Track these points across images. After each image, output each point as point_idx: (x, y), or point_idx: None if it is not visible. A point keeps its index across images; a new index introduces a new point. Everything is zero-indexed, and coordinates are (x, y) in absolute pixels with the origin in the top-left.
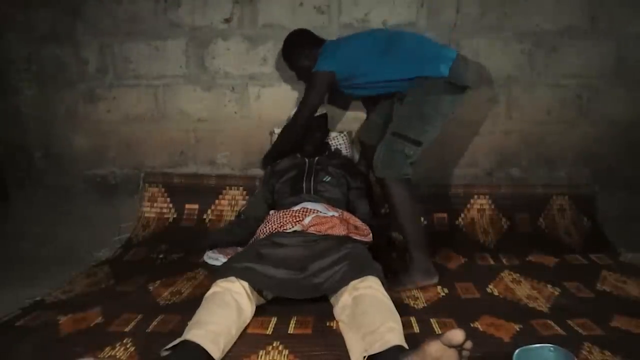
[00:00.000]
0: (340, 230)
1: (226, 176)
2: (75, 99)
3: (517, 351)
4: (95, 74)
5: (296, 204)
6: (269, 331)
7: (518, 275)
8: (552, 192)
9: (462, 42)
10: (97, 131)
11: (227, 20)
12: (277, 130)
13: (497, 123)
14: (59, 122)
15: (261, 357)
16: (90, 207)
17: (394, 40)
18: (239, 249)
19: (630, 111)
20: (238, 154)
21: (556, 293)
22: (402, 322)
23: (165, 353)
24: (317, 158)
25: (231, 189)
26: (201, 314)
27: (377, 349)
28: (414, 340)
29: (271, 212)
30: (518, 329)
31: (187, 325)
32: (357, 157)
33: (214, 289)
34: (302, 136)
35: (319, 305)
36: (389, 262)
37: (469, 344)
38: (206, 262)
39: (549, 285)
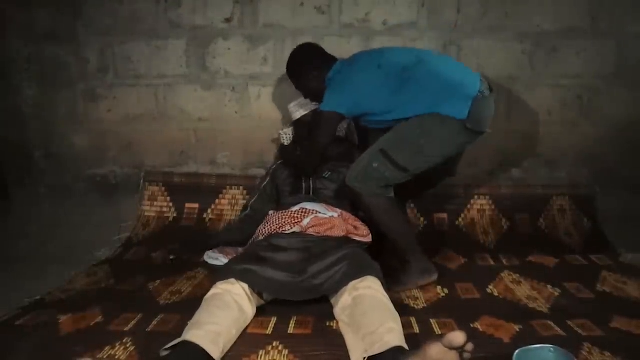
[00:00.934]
0: (339, 231)
1: (226, 176)
2: (76, 98)
3: (516, 352)
4: (96, 74)
5: (295, 204)
6: (269, 331)
7: (518, 275)
8: (552, 192)
9: (463, 42)
10: (97, 131)
11: (227, 20)
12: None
13: (498, 123)
14: (60, 121)
15: (261, 357)
16: (91, 207)
17: (407, 75)
18: (240, 250)
19: (631, 111)
20: (238, 154)
21: (556, 294)
22: (402, 322)
23: (164, 353)
24: None
25: (231, 189)
26: (201, 314)
27: (377, 350)
28: (414, 341)
29: (270, 212)
30: (518, 330)
31: (187, 325)
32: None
33: (214, 290)
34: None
35: (319, 305)
36: (388, 262)
37: (470, 346)
38: (206, 262)
39: (549, 286)
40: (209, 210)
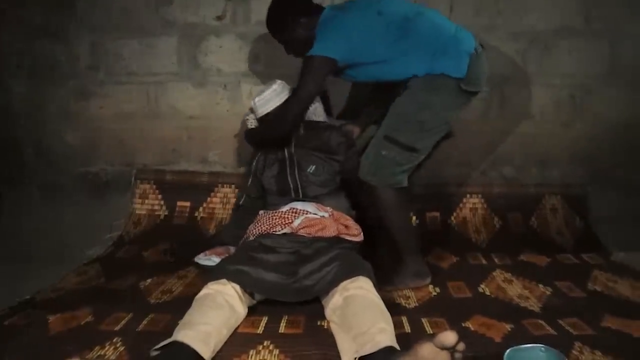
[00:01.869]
0: (330, 232)
1: (218, 174)
2: (67, 95)
3: (507, 351)
4: (87, 71)
5: (284, 204)
6: (260, 330)
7: (510, 274)
8: (544, 191)
9: None
10: (88, 128)
11: (219, 18)
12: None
13: (490, 122)
14: (51, 118)
15: (252, 357)
16: (82, 205)
17: (408, 25)
18: (231, 249)
19: (624, 111)
20: (230, 152)
21: (547, 293)
22: (393, 321)
23: (154, 353)
24: (293, 145)
25: (223, 187)
26: (192, 314)
27: (368, 350)
28: (406, 340)
29: (260, 212)
30: (509, 329)
31: (177, 324)
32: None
33: (205, 290)
34: (291, 133)
35: (310, 305)
36: (379, 261)
37: (461, 346)
38: (197, 263)
39: (540, 285)
40: (201, 209)
